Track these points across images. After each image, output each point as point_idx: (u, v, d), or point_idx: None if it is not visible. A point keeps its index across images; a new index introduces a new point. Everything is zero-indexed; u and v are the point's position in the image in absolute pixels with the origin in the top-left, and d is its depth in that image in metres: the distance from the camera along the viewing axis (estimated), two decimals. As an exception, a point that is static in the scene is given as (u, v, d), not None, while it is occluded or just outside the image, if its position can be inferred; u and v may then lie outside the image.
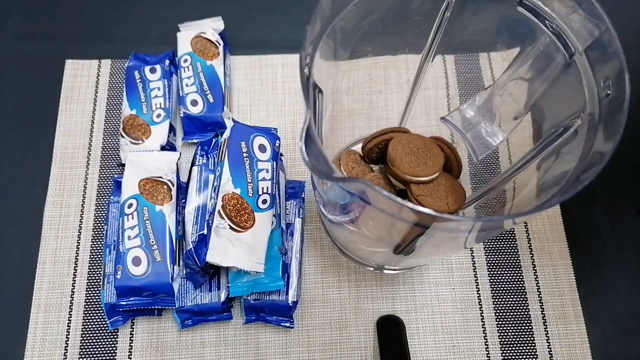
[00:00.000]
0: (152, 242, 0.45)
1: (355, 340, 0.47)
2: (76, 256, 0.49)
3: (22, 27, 0.59)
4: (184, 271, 0.46)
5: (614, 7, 0.34)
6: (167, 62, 0.54)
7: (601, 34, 0.34)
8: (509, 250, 0.51)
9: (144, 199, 0.47)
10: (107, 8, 0.61)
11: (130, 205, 0.47)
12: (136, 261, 0.45)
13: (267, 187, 0.46)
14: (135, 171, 0.48)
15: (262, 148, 0.47)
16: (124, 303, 0.45)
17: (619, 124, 0.32)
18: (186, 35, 0.56)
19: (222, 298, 0.46)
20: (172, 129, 0.52)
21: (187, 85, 0.53)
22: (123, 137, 0.51)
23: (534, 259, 0.50)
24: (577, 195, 0.30)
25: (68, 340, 0.47)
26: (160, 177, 0.48)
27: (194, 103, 0.52)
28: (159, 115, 0.52)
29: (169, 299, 0.46)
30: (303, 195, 0.51)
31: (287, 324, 0.46)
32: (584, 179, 0.31)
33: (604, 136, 0.33)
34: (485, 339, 0.48)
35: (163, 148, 0.51)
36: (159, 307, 0.46)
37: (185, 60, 0.54)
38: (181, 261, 0.46)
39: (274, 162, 0.47)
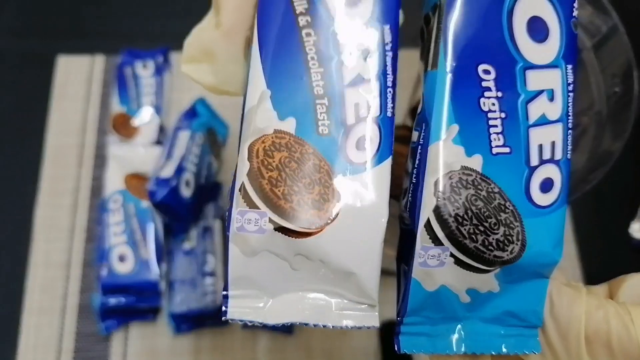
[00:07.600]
0: (139, 239, 0.45)
1: (358, 346, 0.46)
2: (69, 259, 0.49)
3: (13, 23, 0.59)
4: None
5: (621, 2, 0.33)
6: (160, 58, 0.53)
7: (609, 30, 0.34)
8: (512, 252, 0.50)
9: (131, 195, 0.47)
10: (100, 3, 0.60)
11: (115, 201, 0.47)
12: (122, 258, 0.45)
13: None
14: (120, 166, 0.48)
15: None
16: (112, 301, 0.44)
17: (627, 122, 0.31)
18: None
19: (218, 302, 0.45)
20: (162, 127, 0.51)
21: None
22: (112, 134, 0.51)
23: (538, 261, 0.50)
24: (585, 196, 0.30)
25: (61, 345, 0.46)
26: (147, 173, 0.48)
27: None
28: (149, 113, 0.51)
29: (156, 298, 0.45)
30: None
31: (285, 330, 0.46)
32: (592, 178, 0.31)
33: (612, 135, 0.33)
34: (488, 343, 0.47)
35: None
36: (146, 305, 0.45)
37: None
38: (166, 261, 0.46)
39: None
